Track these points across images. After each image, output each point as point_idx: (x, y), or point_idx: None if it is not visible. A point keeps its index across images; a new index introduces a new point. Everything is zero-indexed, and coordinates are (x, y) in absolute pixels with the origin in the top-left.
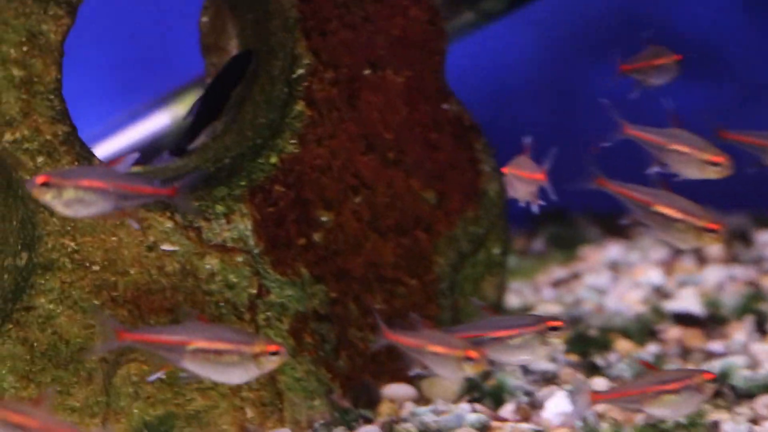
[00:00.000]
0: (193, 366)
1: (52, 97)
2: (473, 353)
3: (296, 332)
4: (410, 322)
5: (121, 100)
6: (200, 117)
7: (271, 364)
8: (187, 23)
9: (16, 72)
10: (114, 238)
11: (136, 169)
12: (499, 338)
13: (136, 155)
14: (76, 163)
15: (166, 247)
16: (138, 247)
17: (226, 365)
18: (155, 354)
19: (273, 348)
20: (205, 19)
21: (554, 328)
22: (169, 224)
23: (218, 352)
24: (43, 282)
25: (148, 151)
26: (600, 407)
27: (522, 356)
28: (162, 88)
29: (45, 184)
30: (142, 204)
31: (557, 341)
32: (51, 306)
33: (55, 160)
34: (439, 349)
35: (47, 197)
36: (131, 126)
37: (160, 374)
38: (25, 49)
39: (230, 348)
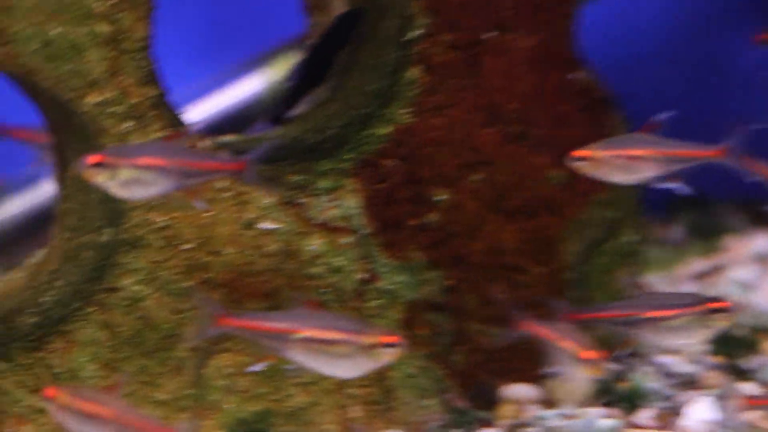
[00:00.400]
0: (299, 357)
1: (141, 56)
2: (590, 353)
3: (408, 323)
4: (551, 310)
5: (209, 61)
6: (301, 82)
7: (386, 356)
8: None
9: (102, 28)
10: (208, 214)
11: (229, 138)
12: (654, 319)
13: (197, 127)
14: (166, 130)
15: (265, 225)
16: (234, 224)
17: (336, 357)
18: (257, 343)
19: (389, 339)
20: None
21: (718, 310)
22: (269, 200)
23: (328, 342)
24: (128, 261)
25: (238, 118)
26: (752, 415)
27: (679, 340)
28: (255, 49)
29: (98, 164)
30: (207, 181)
31: (722, 324)
32: (137, 287)
33: (143, 125)
34: (563, 343)
35: (101, 178)
36: (219, 90)
37: (263, 365)
38: (112, 2)
39: (341, 337)
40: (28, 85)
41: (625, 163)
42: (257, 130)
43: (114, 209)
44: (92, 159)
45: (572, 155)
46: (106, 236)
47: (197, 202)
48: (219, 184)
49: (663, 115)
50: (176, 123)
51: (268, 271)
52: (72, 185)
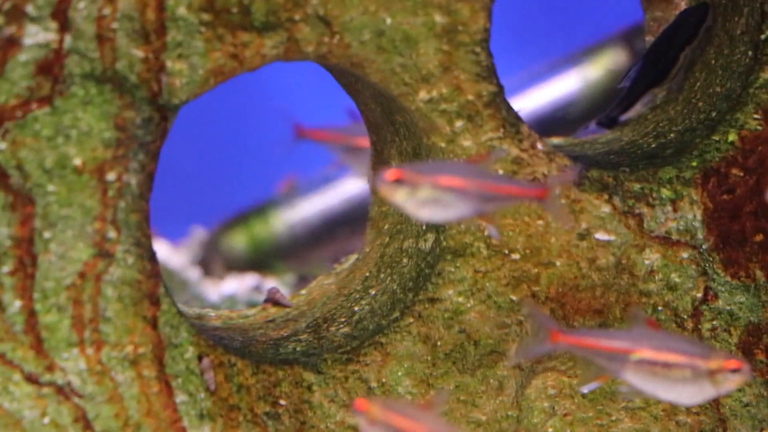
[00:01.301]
0: (635, 379)
1: (478, 49)
2: None
3: (747, 347)
4: None
5: (522, 56)
6: (638, 82)
7: (730, 383)
8: None
9: (439, 18)
10: (540, 222)
11: (558, 140)
12: None
13: (503, 151)
14: (502, 131)
15: (600, 235)
16: (568, 234)
17: (675, 381)
18: (592, 362)
19: (733, 364)
20: None
21: None
22: (606, 208)
23: (667, 365)
24: (452, 270)
25: (551, 118)
26: None
27: None
28: (571, 44)
29: (397, 181)
30: (505, 206)
31: None
32: (460, 299)
33: (477, 125)
34: None
35: (399, 197)
36: (532, 88)
37: (597, 385)
38: None
39: (682, 361)
40: (352, 78)
41: None
42: (588, 133)
43: None
44: (391, 175)
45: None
46: (428, 242)
47: (491, 228)
48: (555, 189)
49: None
50: (513, 123)
51: (600, 286)
52: None
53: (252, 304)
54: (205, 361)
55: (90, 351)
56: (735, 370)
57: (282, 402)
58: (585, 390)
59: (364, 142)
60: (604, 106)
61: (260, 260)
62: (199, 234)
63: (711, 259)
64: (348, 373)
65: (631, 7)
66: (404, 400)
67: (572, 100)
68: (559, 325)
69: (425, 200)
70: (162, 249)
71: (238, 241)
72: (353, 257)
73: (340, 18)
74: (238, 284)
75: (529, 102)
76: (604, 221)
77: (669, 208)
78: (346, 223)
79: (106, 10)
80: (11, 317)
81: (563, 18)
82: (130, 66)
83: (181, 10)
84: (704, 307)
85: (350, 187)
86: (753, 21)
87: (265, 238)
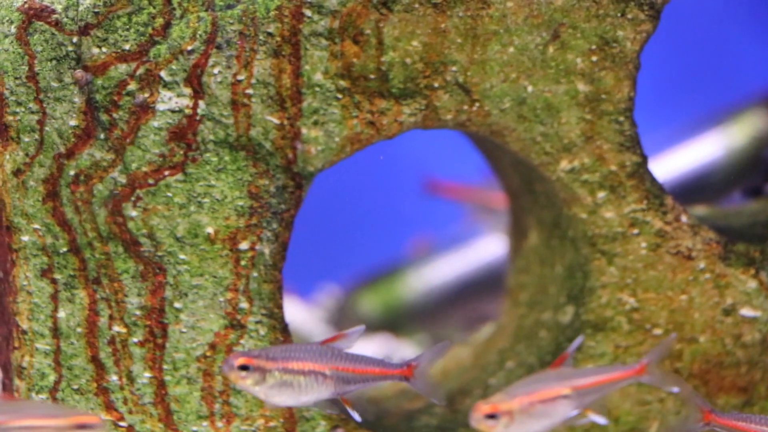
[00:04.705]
0: None
1: (621, 119)
2: None
3: None
4: None
5: (660, 117)
6: None
7: None
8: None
9: (582, 86)
10: (684, 297)
11: (701, 210)
12: None
13: (360, 329)
14: (646, 202)
15: (746, 311)
16: (713, 309)
17: None
18: None
19: None
20: None
21: None
22: (753, 284)
23: None
24: (593, 344)
25: (691, 185)
26: None
27: None
28: (714, 106)
29: (244, 367)
30: (368, 387)
31: None
32: None
33: (620, 196)
34: None
35: (248, 384)
36: (670, 152)
37: None
38: (594, 59)
39: None
40: (490, 145)
41: (541, 408)
42: (733, 202)
43: (580, 287)
44: (238, 362)
45: (476, 414)
46: (567, 315)
47: (352, 412)
48: (700, 264)
49: (573, 345)
50: (656, 194)
51: (745, 363)
52: (530, 256)
53: None
54: None
55: (220, 424)
56: None
57: None
58: None
59: (499, 198)
60: (745, 171)
61: (392, 321)
62: (330, 292)
63: None
64: None
65: None
66: None
67: (712, 165)
68: (711, 406)
69: (275, 386)
70: (293, 306)
71: (370, 301)
72: (488, 327)
73: (481, 85)
74: (369, 345)
75: (669, 165)
76: (750, 297)
77: None
78: (480, 285)
79: (241, 76)
80: (141, 388)
81: (704, 79)
82: (264, 133)
83: (318, 77)
84: None
85: (484, 248)
86: None
87: (397, 298)
